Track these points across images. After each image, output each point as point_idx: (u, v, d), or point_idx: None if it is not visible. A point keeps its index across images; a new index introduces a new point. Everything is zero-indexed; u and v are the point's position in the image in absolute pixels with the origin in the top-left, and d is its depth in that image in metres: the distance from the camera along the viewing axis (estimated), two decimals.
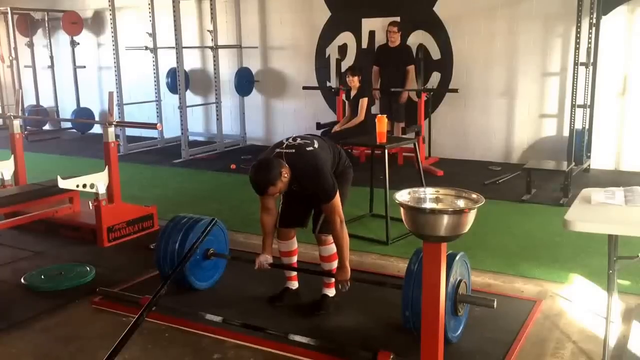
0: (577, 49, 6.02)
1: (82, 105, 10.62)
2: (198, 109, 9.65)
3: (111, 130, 4.67)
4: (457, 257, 2.92)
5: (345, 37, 8.36)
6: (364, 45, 8.24)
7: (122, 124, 7.48)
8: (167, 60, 9.12)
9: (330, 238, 3.29)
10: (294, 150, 3.10)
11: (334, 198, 3.06)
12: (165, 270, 3.56)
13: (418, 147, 5.18)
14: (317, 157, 3.12)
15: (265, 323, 3.15)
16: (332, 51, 8.44)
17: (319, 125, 7.37)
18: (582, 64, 6.19)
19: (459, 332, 3.00)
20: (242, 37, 9.12)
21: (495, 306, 2.80)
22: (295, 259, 3.53)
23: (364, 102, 6.94)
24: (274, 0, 8.88)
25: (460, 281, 2.91)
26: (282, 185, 3.01)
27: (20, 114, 5.63)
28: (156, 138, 9.50)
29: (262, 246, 3.37)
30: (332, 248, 3.30)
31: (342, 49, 8.33)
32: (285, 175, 3.01)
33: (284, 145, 3.15)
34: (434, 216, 2.25)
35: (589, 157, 6.82)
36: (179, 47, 8.20)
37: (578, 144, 6.42)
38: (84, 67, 10.56)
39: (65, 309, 3.49)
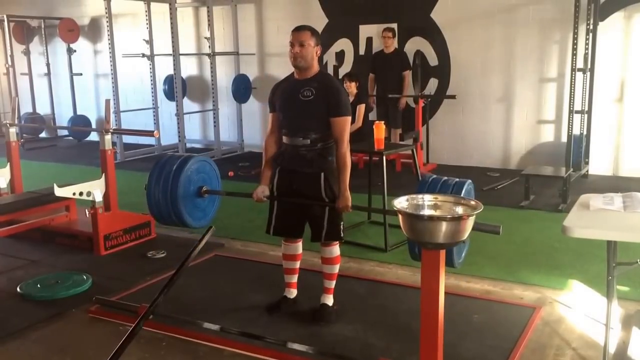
0: (574, 55, 6.03)
1: (78, 112, 10.61)
2: (195, 116, 9.64)
3: (108, 137, 4.66)
4: (465, 185, 2.85)
5: (343, 44, 8.37)
6: (362, 52, 8.26)
7: (119, 132, 7.47)
8: (164, 68, 9.12)
9: (333, 242, 3.28)
10: None
11: (348, 115, 3.18)
12: (155, 211, 3.59)
13: (416, 154, 5.17)
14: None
15: (264, 331, 3.13)
16: (329, 58, 8.45)
17: None
18: (579, 69, 6.20)
19: (462, 258, 2.98)
20: (239, 44, 9.12)
21: (500, 232, 2.68)
22: (298, 264, 3.48)
23: (361, 108, 6.93)
24: (271, 7, 8.89)
25: None
26: (312, 51, 3.19)
27: (16, 122, 5.62)
28: (153, 145, 9.46)
29: (261, 177, 3.34)
30: (335, 251, 3.30)
31: (340, 56, 8.34)
32: (318, 52, 3.25)
33: None
34: (433, 223, 2.24)
35: (587, 163, 6.82)
36: (176, 54, 8.20)
37: (576, 150, 6.42)
38: (81, 74, 10.55)
39: (61, 318, 3.46)
